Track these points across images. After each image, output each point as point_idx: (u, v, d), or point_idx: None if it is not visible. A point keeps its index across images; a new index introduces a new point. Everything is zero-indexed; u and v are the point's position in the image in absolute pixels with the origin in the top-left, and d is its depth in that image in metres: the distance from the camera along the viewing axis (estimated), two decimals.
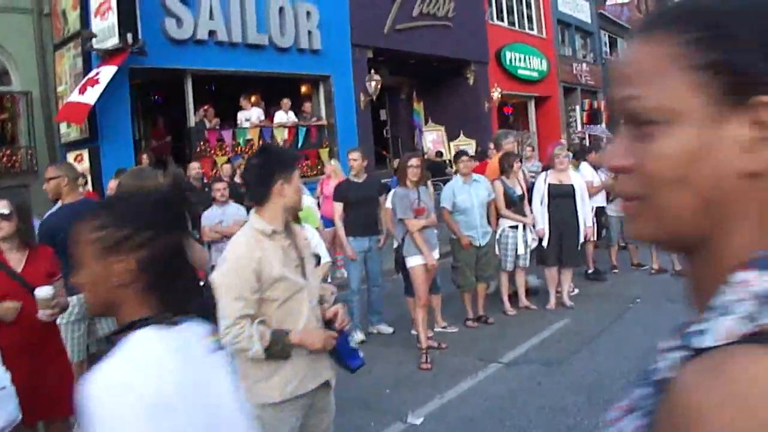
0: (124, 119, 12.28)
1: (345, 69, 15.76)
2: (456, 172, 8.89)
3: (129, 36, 11.26)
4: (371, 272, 8.29)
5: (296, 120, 15.11)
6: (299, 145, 14.94)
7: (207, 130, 13.74)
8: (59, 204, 6.01)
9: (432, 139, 19.17)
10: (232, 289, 3.15)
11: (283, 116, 14.88)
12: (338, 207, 8.26)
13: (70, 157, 12.49)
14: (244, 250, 3.26)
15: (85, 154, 12.20)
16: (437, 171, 14.78)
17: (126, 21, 11.25)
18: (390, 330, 8.31)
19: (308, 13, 14.76)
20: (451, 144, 18.87)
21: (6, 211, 4.30)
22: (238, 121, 14.48)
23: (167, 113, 15.09)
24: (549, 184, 8.86)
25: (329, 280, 6.16)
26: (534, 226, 8.81)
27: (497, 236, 8.72)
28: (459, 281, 8.39)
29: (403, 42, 17.00)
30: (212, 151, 13.64)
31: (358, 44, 15.92)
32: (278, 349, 3.20)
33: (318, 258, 5.76)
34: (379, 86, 16.13)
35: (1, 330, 4.03)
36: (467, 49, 18.99)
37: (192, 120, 13.54)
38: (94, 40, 11.70)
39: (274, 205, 3.34)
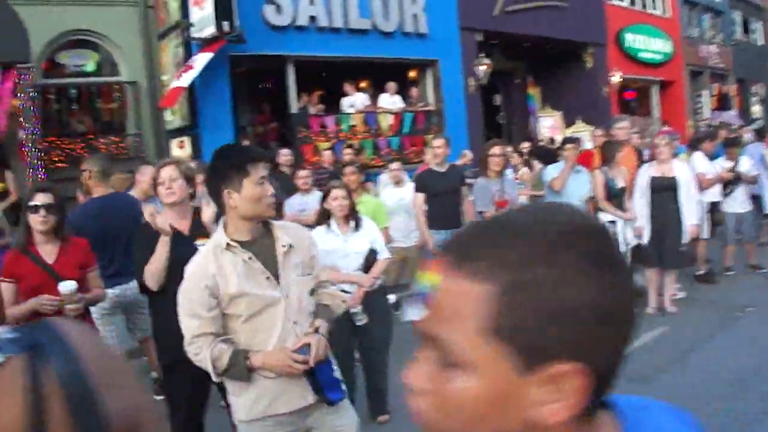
0: (224, 106, 11.99)
1: (453, 53, 14.88)
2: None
3: (225, 24, 10.96)
4: None
5: (402, 105, 14.51)
6: (406, 130, 14.37)
7: (309, 116, 13.36)
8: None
9: (548, 125, 18.09)
10: (186, 307, 3.03)
11: (389, 101, 14.29)
12: (419, 198, 7.59)
13: (174, 143, 12.52)
14: (197, 266, 3.07)
15: (187, 141, 12.07)
16: (550, 158, 13.78)
17: (222, 9, 10.94)
18: None
19: None
20: (568, 130, 17.76)
21: (50, 203, 4.19)
22: (342, 107, 13.98)
23: (273, 100, 14.78)
24: (651, 177, 7.83)
25: (381, 280, 5.54)
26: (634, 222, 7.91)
27: None
28: None
29: (514, 24, 15.93)
30: (315, 138, 13.27)
31: (466, 27, 15.00)
32: (237, 370, 2.99)
33: (374, 253, 5.28)
34: (489, 70, 15.23)
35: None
36: (584, 30, 17.63)
37: (294, 106, 13.10)
38: (192, 29, 11.55)
39: (230, 216, 3.07)
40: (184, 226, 4.22)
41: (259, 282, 3.01)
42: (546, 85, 19.08)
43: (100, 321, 5.14)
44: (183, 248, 3.85)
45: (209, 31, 11.11)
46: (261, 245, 3.07)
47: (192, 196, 4.51)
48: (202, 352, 2.96)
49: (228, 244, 3.00)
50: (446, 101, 14.83)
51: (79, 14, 12.56)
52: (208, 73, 11.71)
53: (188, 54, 11.70)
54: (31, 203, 4.17)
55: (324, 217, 5.29)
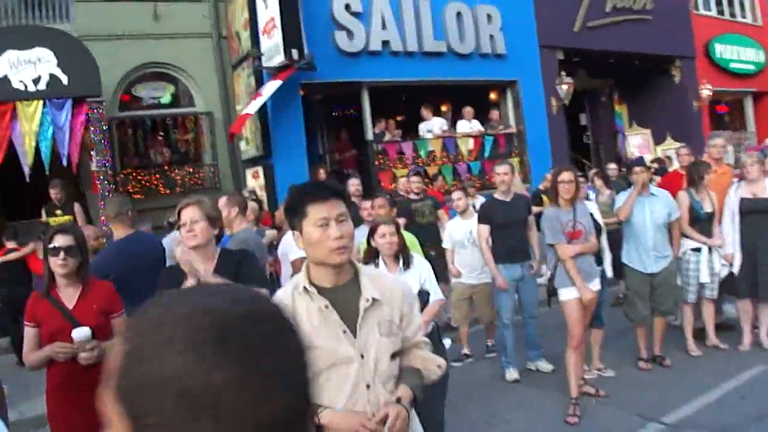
0: (297, 135, 11.59)
1: (533, 72, 14.12)
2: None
3: (294, 52, 10.57)
4: (525, 303, 6.97)
5: (481, 128, 13.81)
6: (486, 154, 13.70)
7: (384, 142, 12.84)
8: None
9: (637, 143, 17.06)
10: None
11: (467, 125, 13.66)
12: (483, 230, 6.89)
13: (249, 173, 12.23)
14: None
15: (260, 171, 11.76)
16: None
17: (291, 37, 10.58)
18: (550, 368, 6.87)
19: (489, 16, 13.32)
20: (658, 148, 16.75)
21: (70, 245, 3.90)
22: (420, 132, 13.42)
23: (351, 127, 14.36)
24: (740, 199, 6.98)
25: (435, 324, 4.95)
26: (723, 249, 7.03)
27: (679, 259, 7.00)
28: (629, 313, 6.83)
29: (596, 40, 15.05)
30: (392, 164, 12.74)
31: (546, 45, 14.24)
32: None
33: (426, 295, 4.74)
34: (571, 89, 14.34)
35: (52, 368, 3.82)
36: (670, 43, 16.53)
37: (370, 133, 12.59)
38: (262, 58, 11.26)
39: (308, 259, 2.63)
40: (208, 269, 3.81)
41: (333, 335, 2.54)
42: (633, 102, 18.00)
43: None
44: None
45: (278, 59, 10.73)
46: (344, 294, 2.57)
47: (218, 237, 4.20)
48: None
49: (305, 288, 2.55)
50: (527, 123, 14.06)
51: (155, 47, 12.44)
52: (280, 102, 11.39)
53: (260, 83, 11.35)
54: (51, 245, 3.88)
55: (372, 255, 4.84)
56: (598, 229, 6.48)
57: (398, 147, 12.83)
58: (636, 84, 17.63)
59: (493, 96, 14.65)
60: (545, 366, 6.93)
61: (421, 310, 4.59)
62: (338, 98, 13.92)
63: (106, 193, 10.63)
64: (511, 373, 6.77)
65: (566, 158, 14.45)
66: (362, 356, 2.54)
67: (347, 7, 11.92)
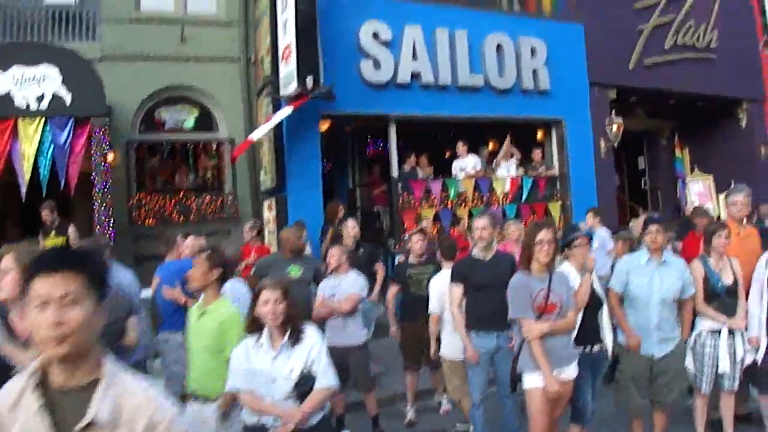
0: (313, 167, 10.53)
1: (581, 111, 12.64)
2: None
3: (309, 80, 9.52)
4: (501, 379, 5.44)
5: (518, 170, 12.39)
6: (524, 198, 12.38)
7: (411, 180, 11.65)
8: None
9: (697, 191, 15.45)
10: None
11: (503, 165, 12.44)
12: (456, 291, 5.62)
13: (265, 204, 11.25)
14: None
15: (273, 202, 10.83)
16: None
17: (306, 65, 9.53)
18: None
19: (533, 50, 11.98)
20: (720, 196, 15.13)
21: None
22: (453, 171, 12.16)
23: (384, 161, 13.35)
24: None
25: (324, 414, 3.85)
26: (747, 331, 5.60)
27: (691, 342, 5.56)
28: (621, 402, 5.41)
29: (654, 79, 13.47)
30: (417, 204, 11.58)
31: (597, 83, 12.80)
32: None
33: (309, 380, 3.82)
34: (620, 130, 12.79)
35: None
36: (737, 84, 14.77)
37: (395, 169, 11.39)
38: (281, 85, 10.38)
39: None
40: None
41: None
42: (695, 146, 16.20)
43: None
44: None
45: (292, 87, 9.74)
46: (72, 400, 1.88)
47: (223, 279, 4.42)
48: None
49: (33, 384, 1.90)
50: (572, 165, 12.60)
51: (181, 70, 11.78)
52: (297, 132, 10.43)
53: (276, 111, 10.41)
54: None
55: (255, 325, 3.88)
56: (598, 303, 5.25)
57: (425, 185, 11.67)
58: (699, 127, 15.88)
59: (538, 135, 13.27)
60: None
61: (304, 398, 3.62)
62: (370, 131, 12.88)
63: (103, 218, 9.97)
64: None
65: (613, 204, 13.00)
66: None
67: (375, 35, 10.84)
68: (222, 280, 4.51)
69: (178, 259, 6.94)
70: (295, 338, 3.83)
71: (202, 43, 11.85)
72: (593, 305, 5.15)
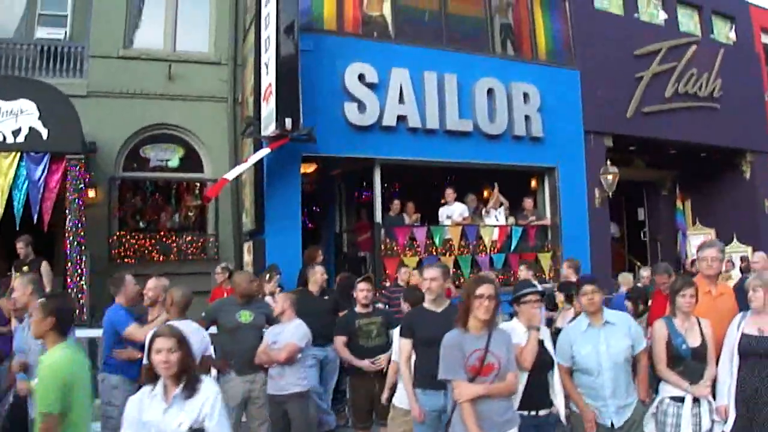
0: (292, 210, 10.26)
1: (575, 159, 12.33)
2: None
3: (288, 121, 9.31)
4: None
5: (509, 219, 12.09)
6: (512, 247, 11.99)
7: (395, 226, 11.33)
8: None
9: (698, 244, 14.98)
10: None
11: (491, 213, 12.06)
12: (405, 345, 5.26)
13: (245, 247, 11.11)
14: None
15: (251, 245, 10.55)
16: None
17: (285, 105, 9.33)
18: None
19: (526, 95, 11.73)
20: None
21: None
22: (440, 218, 11.79)
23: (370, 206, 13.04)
24: (741, 335, 5.07)
25: None
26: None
27: (653, 410, 5.07)
28: None
29: (652, 128, 13.14)
30: (400, 251, 11.20)
31: (592, 130, 12.51)
32: None
33: None
34: (616, 180, 12.42)
35: None
36: (741, 135, 14.41)
37: (379, 214, 11.07)
38: (262, 126, 10.14)
39: None
40: None
41: None
42: (697, 198, 15.79)
43: None
44: None
45: (271, 128, 9.57)
46: None
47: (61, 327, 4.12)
48: None
49: None
50: (564, 214, 12.22)
51: (167, 108, 11.68)
52: (277, 175, 10.22)
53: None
54: None
55: (151, 374, 3.70)
56: (546, 363, 4.83)
57: (409, 232, 11.31)
58: (701, 177, 15.47)
59: (533, 183, 12.91)
60: None
61: None
62: (358, 175, 12.57)
63: (75, 255, 9.75)
64: None
65: (608, 256, 12.58)
66: None
67: (361, 77, 10.63)
68: (60, 328, 4.13)
69: (125, 304, 6.47)
70: (189, 391, 3.60)
71: (190, 82, 11.77)
72: (541, 365, 4.75)
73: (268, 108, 9.73)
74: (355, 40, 11.02)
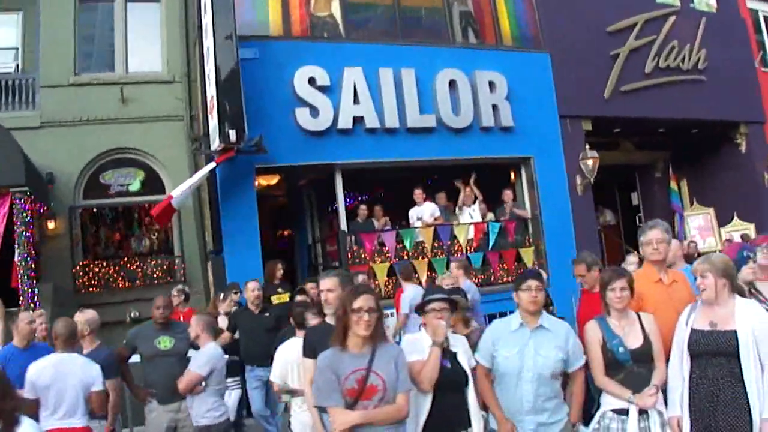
0: (249, 225, 9.79)
1: (552, 147, 11.71)
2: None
3: (231, 133, 8.89)
4: None
5: (483, 215, 11.41)
6: (491, 245, 11.35)
7: (362, 232, 10.78)
8: None
9: (697, 225, 14.17)
10: None
11: (465, 210, 11.45)
12: (308, 366, 4.44)
13: (209, 266, 10.69)
14: None
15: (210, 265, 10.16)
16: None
17: (227, 117, 8.93)
18: None
19: (491, 84, 11.15)
20: (722, 230, 13.79)
21: None
22: (411, 220, 11.21)
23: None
24: (691, 330, 4.25)
25: None
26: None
27: (594, 425, 4.33)
28: None
29: (635, 107, 12.45)
30: (368, 258, 10.67)
31: (568, 115, 11.88)
32: None
33: None
34: (596, 164, 11.73)
35: None
36: (733, 106, 13.59)
37: (343, 221, 10.57)
38: (210, 140, 9.71)
39: None
40: None
41: None
42: (693, 177, 14.99)
43: None
44: None
45: (216, 142, 9.13)
46: None
47: None
48: None
49: None
50: (545, 206, 11.58)
51: (123, 132, 11.45)
52: (231, 191, 9.81)
53: None
54: None
55: None
56: (458, 381, 4.22)
57: (377, 237, 10.76)
58: (695, 156, 14.69)
59: (513, 176, 12.23)
60: None
61: None
62: (324, 183, 12.08)
63: (26, 288, 9.45)
64: None
65: (595, 246, 11.84)
66: None
67: (311, 80, 10.18)
68: None
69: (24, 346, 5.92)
70: None
71: (145, 103, 11.56)
72: (450, 384, 4.12)
73: (213, 121, 9.30)
74: (303, 44, 10.57)
